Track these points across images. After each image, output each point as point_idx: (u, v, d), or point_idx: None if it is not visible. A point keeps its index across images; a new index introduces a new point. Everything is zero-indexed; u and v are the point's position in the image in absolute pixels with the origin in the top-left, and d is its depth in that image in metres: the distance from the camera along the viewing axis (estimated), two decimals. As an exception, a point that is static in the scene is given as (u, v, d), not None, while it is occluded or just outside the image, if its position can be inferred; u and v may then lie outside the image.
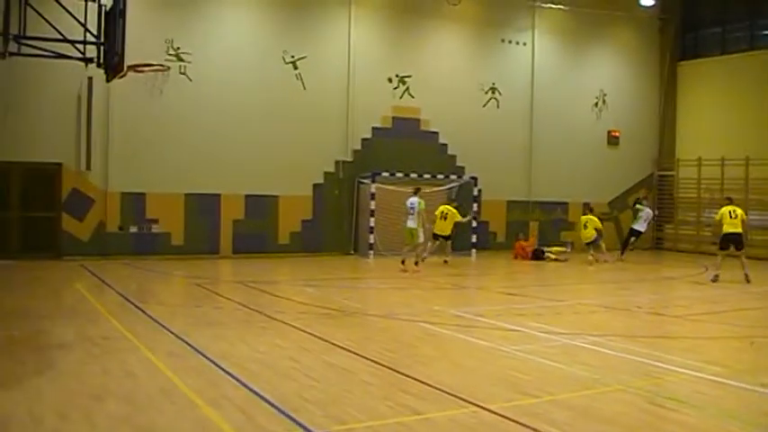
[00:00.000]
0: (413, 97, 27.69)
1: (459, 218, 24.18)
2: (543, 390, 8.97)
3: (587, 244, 25.50)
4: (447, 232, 24.05)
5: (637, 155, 32.87)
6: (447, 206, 24.41)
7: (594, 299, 17.71)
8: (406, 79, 27.59)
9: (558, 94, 30.75)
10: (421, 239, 22.21)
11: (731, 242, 21.04)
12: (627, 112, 32.64)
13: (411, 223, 22.06)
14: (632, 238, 27.29)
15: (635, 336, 12.95)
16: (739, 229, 21.08)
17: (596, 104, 31.87)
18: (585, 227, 25.44)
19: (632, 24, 32.67)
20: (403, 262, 22.21)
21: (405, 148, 27.21)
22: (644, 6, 31.52)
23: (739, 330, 13.95)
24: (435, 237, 24.00)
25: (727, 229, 20.93)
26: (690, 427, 7.81)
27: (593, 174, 31.44)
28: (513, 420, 7.73)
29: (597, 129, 31.92)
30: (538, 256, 26.74)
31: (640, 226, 27.14)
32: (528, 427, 7.56)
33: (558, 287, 20.57)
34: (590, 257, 25.09)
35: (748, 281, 20.39)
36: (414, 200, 22.21)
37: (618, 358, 10.94)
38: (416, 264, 22.10)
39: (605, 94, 32.05)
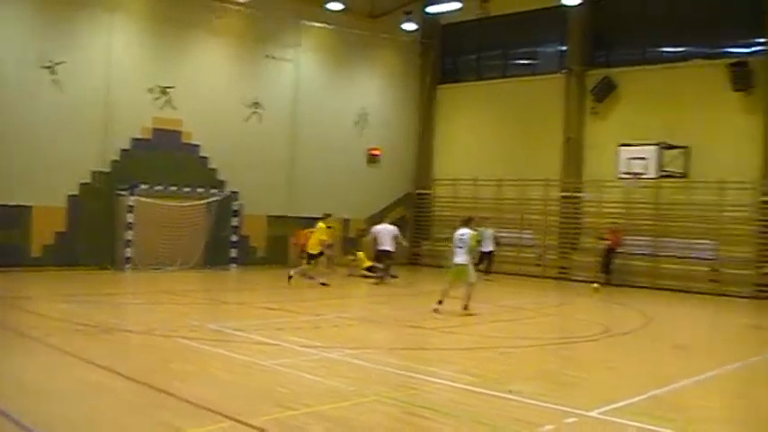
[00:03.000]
0: (175, 109, 27.07)
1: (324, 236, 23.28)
2: (301, 402, 9.05)
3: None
4: (315, 250, 23.08)
5: (396, 173, 33.90)
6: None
7: (353, 313, 18.04)
8: (167, 90, 27.00)
9: (321, 111, 31.13)
10: (472, 279, 18.09)
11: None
12: (387, 132, 33.60)
13: (459, 259, 17.94)
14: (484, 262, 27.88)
15: (392, 348, 13.31)
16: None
17: (357, 123, 32.56)
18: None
19: (395, 47, 33.67)
20: (440, 303, 17.76)
21: (165, 160, 26.56)
22: (406, 31, 32.50)
23: (489, 341, 14.67)
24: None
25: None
26: (443, 434, 8.12)
27: (354, 190, 31.99)
28: (272, 434, 7.77)
29: (358, 146, 32.60)
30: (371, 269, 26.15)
31: (486, 246, 27.47)
32: (286, 439, 7.63)
33: (319, 302, 20.75)
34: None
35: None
36: (465, 231, 18.11)
37: (375, 370, 11.21)
38: (466, 308, 17.83)
39: (367, 113, 32.82)
